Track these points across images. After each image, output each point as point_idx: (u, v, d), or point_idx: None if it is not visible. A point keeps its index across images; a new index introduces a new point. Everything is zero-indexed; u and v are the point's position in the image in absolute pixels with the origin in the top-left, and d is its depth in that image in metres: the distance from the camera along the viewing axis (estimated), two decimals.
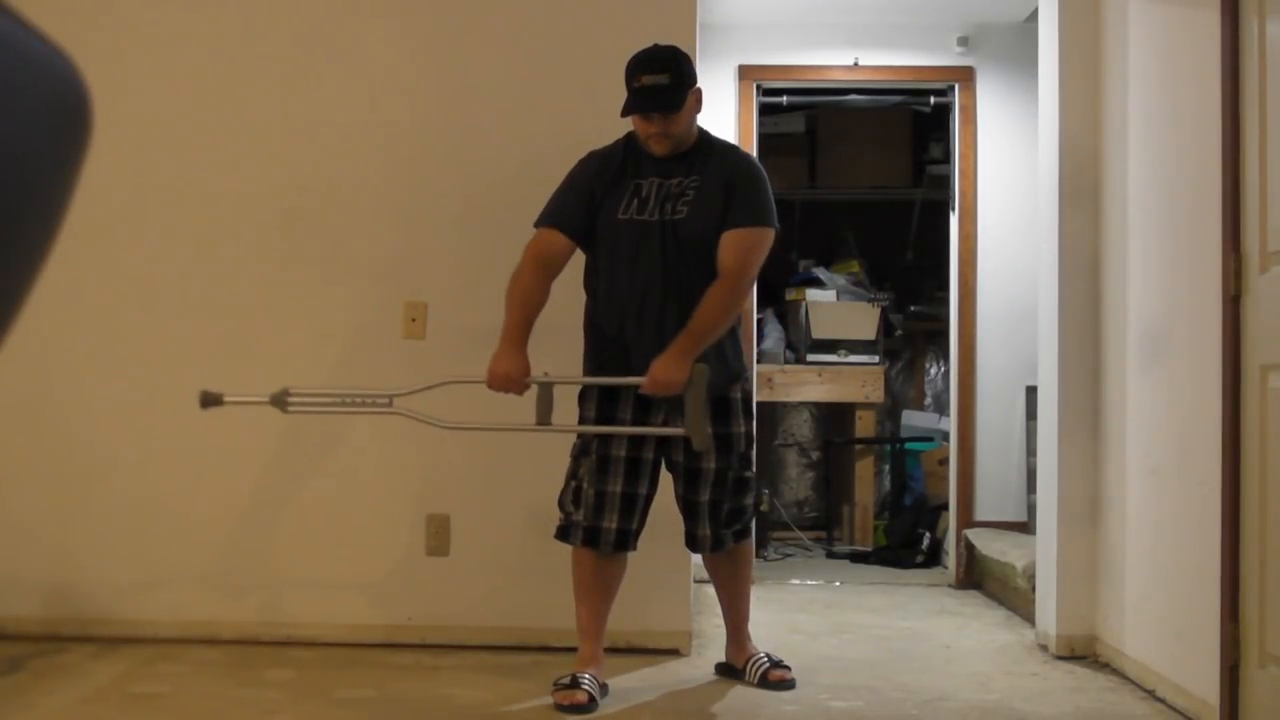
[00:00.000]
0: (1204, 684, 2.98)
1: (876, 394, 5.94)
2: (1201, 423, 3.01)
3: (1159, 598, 3.33)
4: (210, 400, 3.03)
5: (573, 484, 3.22)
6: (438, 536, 3.79)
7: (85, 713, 3.07)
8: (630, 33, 3.45)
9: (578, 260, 3.28)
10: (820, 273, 6.25)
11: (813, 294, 6.01)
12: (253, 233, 3.85)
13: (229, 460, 3.81)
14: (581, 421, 3.23)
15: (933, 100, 5.50)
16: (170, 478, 3.82)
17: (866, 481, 6.07)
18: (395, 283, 3.82)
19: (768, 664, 3.38)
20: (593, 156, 3.26)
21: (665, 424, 3.16)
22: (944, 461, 5.59)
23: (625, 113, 3.12)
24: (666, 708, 3.19)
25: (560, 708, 3.08)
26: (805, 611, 4.51)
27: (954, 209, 5.27)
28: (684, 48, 3.24)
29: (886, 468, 6.29)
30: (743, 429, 3.26)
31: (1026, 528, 4.85)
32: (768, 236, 3.17)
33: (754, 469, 3.37)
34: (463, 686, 3.33)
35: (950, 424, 5.36)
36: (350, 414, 3.50)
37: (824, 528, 6.28)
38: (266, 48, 3.89)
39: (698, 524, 3.24)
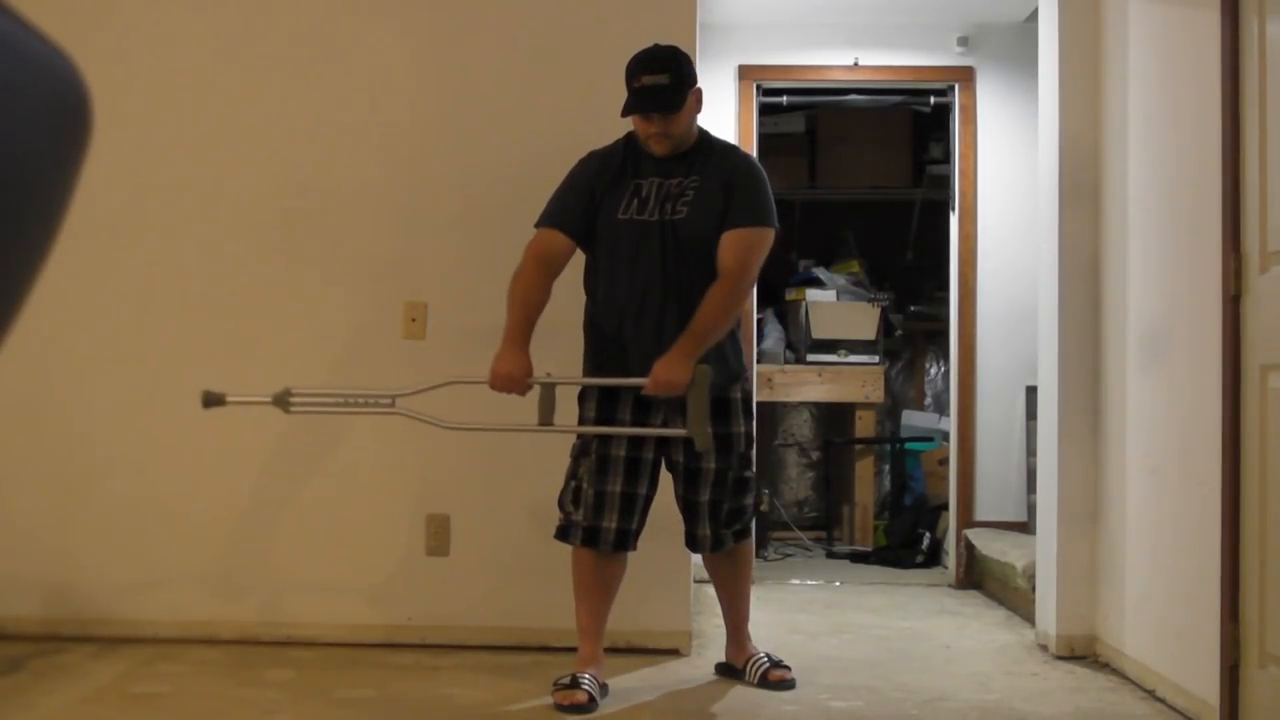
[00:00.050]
0: (1204, 684, 2.98)
1: (876, 394, 5.94)
2: (1201, 423, 3.01)
3: (1159, 598, 3.33)
4: (213, 400, 3.03)
5: (572, 484, 3.22)
6: (438, 536, 3.79)
7: (85, 713, 3.07)
8: (630, 33, 3.45)
9: (578, 260, 3.28)
10: (820, 273, 6.26)
11: (813, 294, 6.01)
12: (253, 232, 3.85)
13: (229, 460, 3.81)
14: (581, 421, 3.23)
15: (933, 100, 5.50)
16: (170, 478, 3.82)
17: (866, 481, 6.07)
18: (395, 283, 3.82)
19: (768, 664, 3.38)
20: (593, 156, 3.26)
21: (664, 424, 3.16)
22: (944, 461, 5.59)
23: (625, 113, 3.12)
24: (666, 708, 3.19)
25: (560, 708, 3.08)
26: (805, 611, 4.51)
27: (954, 209, 5.27)
28: (684, 48, 3.24)
29: (886, 468, 6.29)
30: (743, 429, 3.26)
31: (1026, 528, 4.85)
32: (768, 236, 3.17)
33: (754, 469, 3.37)
34: (463, 686, 3.33)
35: (950, 424, 5.36)
36: (352, 414, 3.50)
37: (824, 528, 6.28)
38: (266, 48, 3.89)
39: (698, 524, 3.24)
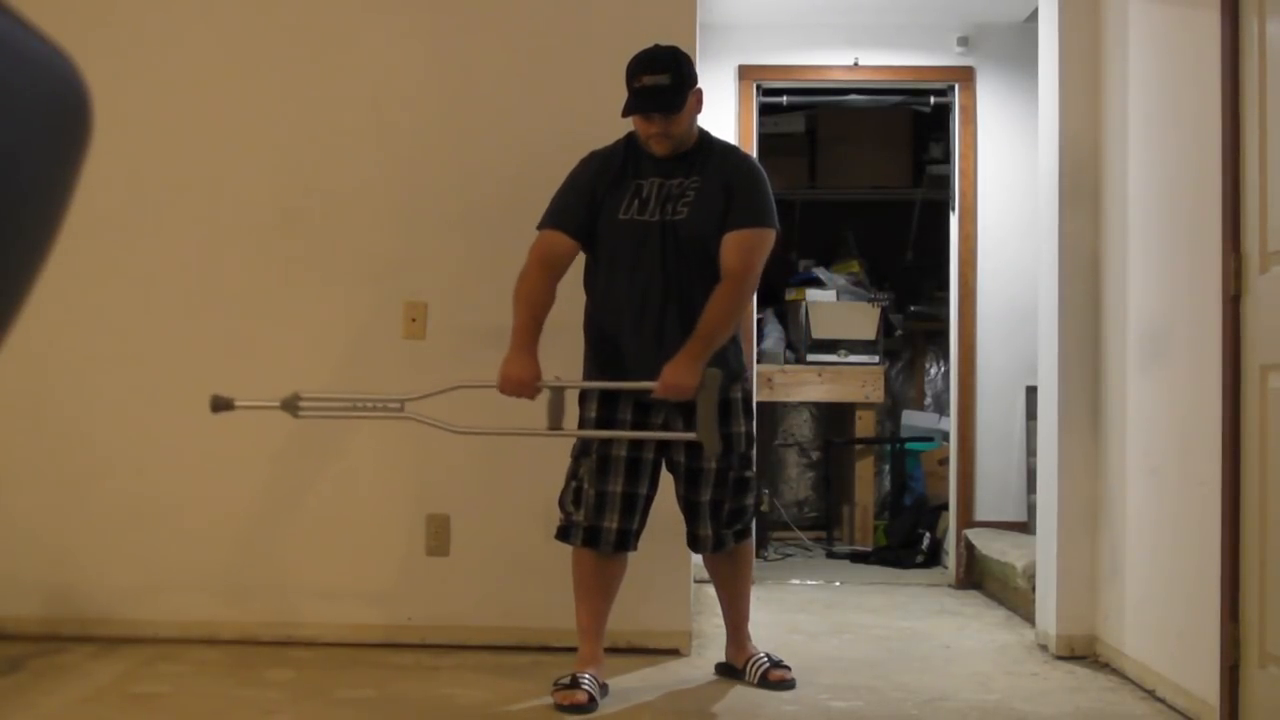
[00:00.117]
0: (1204, 684, 2.98)
1: (876, 394, 5.94)
2: (1201, 423, 3.01)
3: (1159, 598, 3.33)
4: (221, 405, 3.01)
5: (573, 484, 3.22)
6: (438, 536, 3.79)
7: (85, 713, 3.07)
8: (630, 33, 3.45)
9: (578, 260, 3.28)
10: (820, 273, 6.25)
11: (813, 294, 6.01)
12: (253, 232, 3.85)
13: (229, 460, 3.80)
14: (582, 421, 3.23)
15: (933, 100, 5.50)
16: (170, 478, 3.82)
17: (866, 481, 6.07)
18: (395, 283, 3.82)
19: (768, 664, 3.38)
20: (594, 156, 3.26)
21: (665, 425, 3.16)
22: (944, 461, 5.59)
23: (626, 113, 3.12)
24: (666, 708, 3.19)
25: (560, 708, 3.08)
26: (805, 611, 4.51)
27: (954, 209, 5.27)
28: (684, 48, 3.24)
29: (886, 468, 6.29)
30: (743, 429, 3.27)
31: (1026, 528, 4.85)
32: (769, 237, 3.17)
33: (754, 469, 3.38)
34: (463, 686, 3.33)
35: (950, 424, 5.36)
36: (362, 419, 3.49)
37: (824, 528, 6.28)
38: (267, 48, 3.89)
39: (699, 524, 3.24)
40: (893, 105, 5.95)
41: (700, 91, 3.19)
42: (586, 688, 3.10)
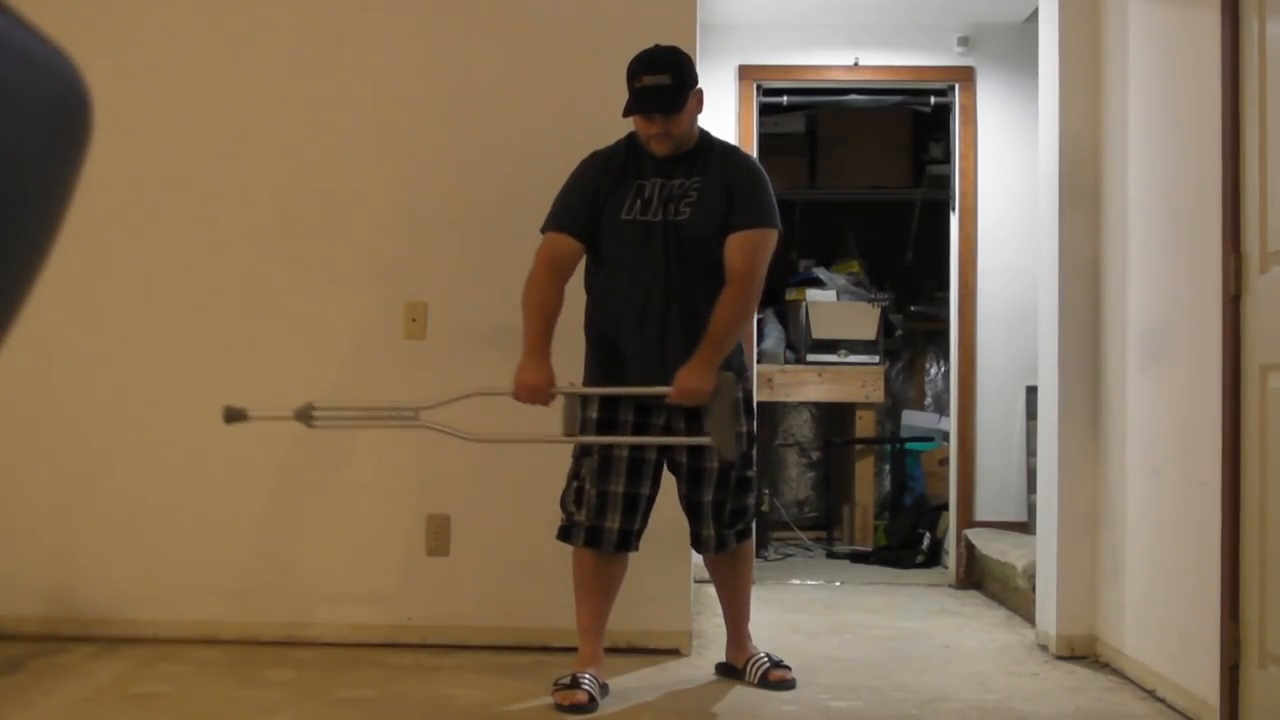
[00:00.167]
0: (1204, 684, 2.98)
1: (876, 394, 5.94)
2: (1201, 423, 3.01)
3: (1159, 598, 3.33)
4: (235, 416, 3.00)
5: (575, 484, 3.22)
6: (438, 537, 3.79)
7: (85, 713, 3.07)
8: (630, 32, 3.45)
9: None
10: (820, 273, 6.26)
11: (813, 294, 6.01)
12: (253, 232, 3.85)
13: (229, 460, 3.80)
14: (583, 422, 3.22)
15: (933, 100, 5.50)
16: (170, 478, 3.82)
17: (866, 481, 6.07)
18: (395, 283, 3.82)
19: (768, 664, 3.38)
20: (595, 157, 3.25)
21: (667, 426, 3.17)
22: (944, 461, 5.59)
23: (627, 113, 3.12)
24: (666, 708, 3.19)
25: (560, 708, 3.08)
26: (805, 611, 4.51)
27: (954, 209, 5.27)
28: (684, 48, 3.24)
29: (886, 468, 6.29)
30: (744, 429, 3.26)
31: (1026, 528, 4.85)
32: (772, 237, 3.18)
33: (755, 468, 3.37)
34: (463, 686, 3.33)
35: (950, 424, 5.36)
36: (376, 428, 3.48)
37: (824, 528, 6.28)
38: (267, 48, 3.89)
39: (702, 524, 3.24)
40: (893, 105, 5.95)
41: (701, 92, 3.19)
42: (587, 688, 3.10)
